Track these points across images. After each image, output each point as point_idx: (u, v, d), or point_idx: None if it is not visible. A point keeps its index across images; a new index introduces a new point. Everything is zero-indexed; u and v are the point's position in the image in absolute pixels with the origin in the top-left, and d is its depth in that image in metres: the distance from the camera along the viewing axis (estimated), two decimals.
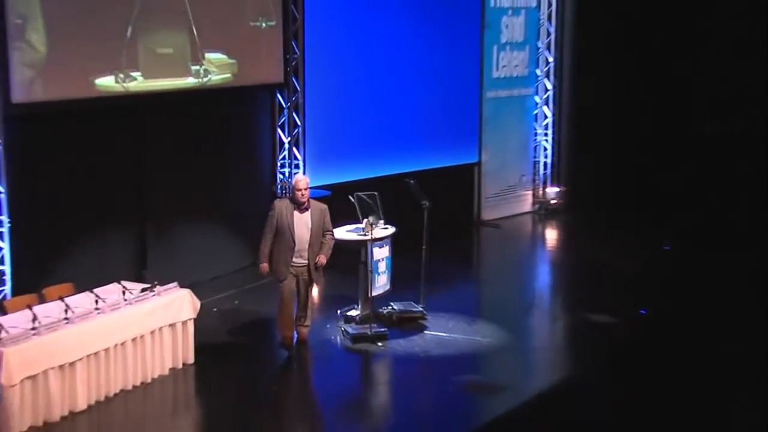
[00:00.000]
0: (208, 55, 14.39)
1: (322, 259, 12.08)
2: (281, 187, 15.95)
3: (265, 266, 11.91)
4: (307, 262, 11.84)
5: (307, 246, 11.79)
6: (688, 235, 17.80)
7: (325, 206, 12.20)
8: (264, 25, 15.11)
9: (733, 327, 14.35)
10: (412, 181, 13.81)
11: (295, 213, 11.71)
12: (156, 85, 13.77)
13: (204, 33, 14.19)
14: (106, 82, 13.05)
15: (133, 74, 13.39)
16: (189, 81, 14.20)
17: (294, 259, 11.78)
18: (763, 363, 13.20)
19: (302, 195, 11.66)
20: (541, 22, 19.86)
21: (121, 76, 13.20)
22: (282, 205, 11.85)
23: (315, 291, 12.54)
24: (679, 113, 19.58)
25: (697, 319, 14.54)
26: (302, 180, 11.89)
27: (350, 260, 13.21)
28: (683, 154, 19.46)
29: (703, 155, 19.30)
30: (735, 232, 17.86)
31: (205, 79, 14.38)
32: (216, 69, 14.51)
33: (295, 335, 12.14)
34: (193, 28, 14.03)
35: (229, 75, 14.73)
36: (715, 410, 11.93)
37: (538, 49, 19.95)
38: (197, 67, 14.26)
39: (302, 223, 11.74)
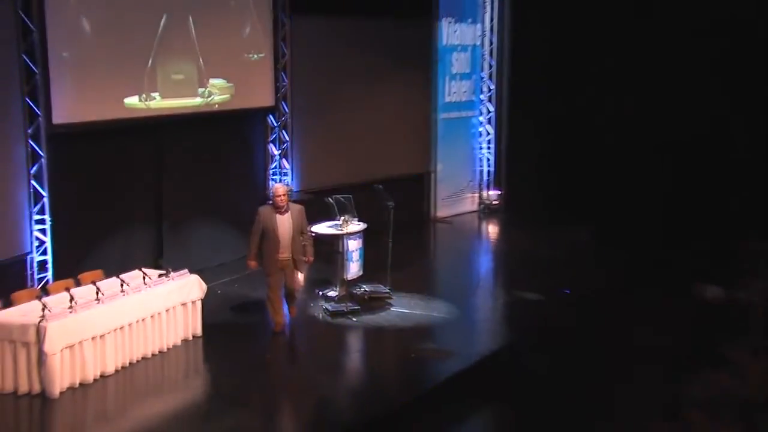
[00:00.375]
0: (212, 80, 14.55)
1: (310, 259, 12.25)
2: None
3: (253, 263, 11.85)
4: (290, 255, 11.75)
5: (289, 242, 11.68)
6: (600, 230, 17.88)
7: (301, 207, 12.14)
8: (255, 56, 15.23)
9: (636, 304, 14.50)
10: (379, 187, 13.94)
11: (277, 216, 11.59)
12: (171, 104, 13.98)
13: (208, 63, 14.42)
14: (132, 102, 13.30)
15: (153, 95, 13.65)
16: (197, 100, 14.42)
17: (279, 255, 11.65)
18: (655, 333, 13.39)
19: (281, 200, 11.57)
20: (483, 57, 19.95)
21: (144, 96, 13.48)
22: (265, 210, 11.73)
23: (300, 277, 12.42)
24: (589, 130, 19.66)
25: (609, 296, 14.70)
26: (280, 188, 11.84)
27: (329, 250, 13.33)
28: (596, 162, 19.55)
29: (610, 163, 19.39)
30: (637, 228, 17.94)
31: (209, 99, 14.59)
32: (218, 91, 14.71)
33: (288, 318, 12.22)
34: (200, 59, 14.28)
35: (228, 96, 14.88)
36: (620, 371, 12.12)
37: (482, 78, 20.05)
38: (203, 90, 14.46)
39: (284, 224, 11.63)
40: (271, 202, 11.86)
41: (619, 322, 14.14)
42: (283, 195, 11.64)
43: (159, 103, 13.72)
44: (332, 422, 9.96)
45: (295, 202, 14.28)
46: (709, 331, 13.67)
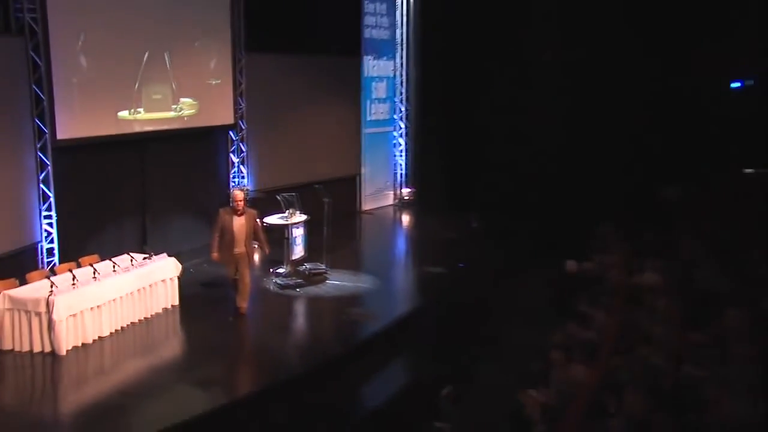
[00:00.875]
0: (182, 99, 14.58)
1: (267, 251, 12.17)
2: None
3: (215, 255, 11.50)
4: (244, 250, 11.39)
5: (243, 240, 11.33)
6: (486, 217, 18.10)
7: (255, 212, 11.80)
8: (215, 82, 15.26)
9: (517, 273, 14.73)
10: (319, 186, 14.01)
11: (234, 218, 11.27)
12: (152, 116, 14.01)
13: (180, 86, 14.51)
14: (123, 114, 13.48)
15: (139, 110, 13.73)
16: (171, 114, 14.41)
17: (234, 250, 11.30)
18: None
19: (238, 205, 11.30)
20: (397, 85, 20.05)
21: (132, 110, 13.59)
22: (224, 212, 11.42)
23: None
24: (477, 142, 19.91)
25: (496, 267, 14.92)
26: (238, 194, 11.51)
27: (279, 237, 13.32)
28: (483, 166, 19.76)
29: (495, 166, 19.62)
30: (517, 215, 18.18)
31: (180, 113, 14.59)
32: (187, 107, 14.72)
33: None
34: (173, 83, 14.34)
35: (194, 111, 14.87)
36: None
37: (396, 102, 20.11)
38: (176, 106, 14.46)
39: (239, 225, 11.28)
40: (232, 205, 11.60)
41: (503, 287, 14.37)
42: (241, 200, 11.37)
43: (143, 115, 13.81)
44: (282, 370, 10.01)
45: (252, 200, 14.33)
46: (572, 294, 13.93)
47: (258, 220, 11.77)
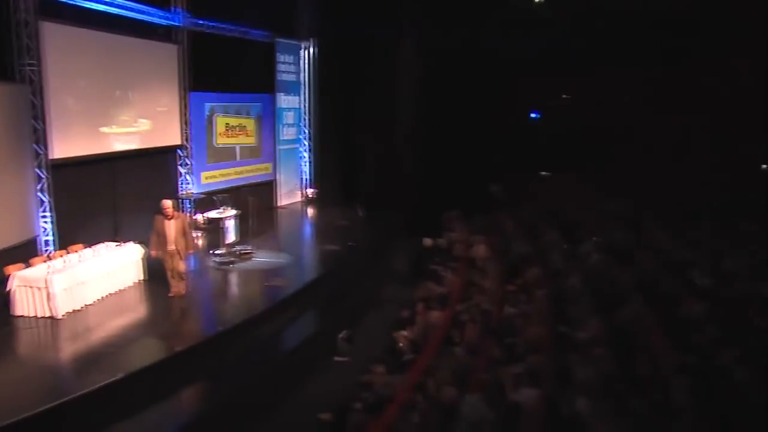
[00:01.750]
0: (140, 119, 14.23)
1: (191, 251, 11.25)
2: (181, 194, 15.76)
3: (153, 252, 10.87)
4: (175, 248, 10.67)
5: (174, 239, 10.61)
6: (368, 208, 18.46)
7: (185, 215, 11.33)
8: (165, 112, 15.02)
9: (392, 248, 15.09)
10: (245, 189, 14.00)
11: (166, 222, 10.58)
12: (121, 130, 13.75)
13: (137, 111, 14.12)
14: (104, 129, 13.21)
15: (113, 126, 13.47)
16: (132, 129, 14.04)
17: (168, 248, 10.63)
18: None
19: (167, 213, 10.56)
20: (301, 114, 20.11)
21: (108, 127, 13.34)
22: (158, 217, 10.65)
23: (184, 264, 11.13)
24: (359, 155, 20.29)
25: (377, 244, 15.24)
26: (166, 203, 10.70)
27: (216, 227, 13.30)
28: (365, 172, 20.13)
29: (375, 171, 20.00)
30: (392, 205, 18.56)
31: (140, 129, 14.25)
32: (145, 126, 14.39)
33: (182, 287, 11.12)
34: (133, 109, 14.02)
35: (149, 128, 14.52)
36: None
37: (301, 126, 20.17)
38: (136, 123, 14.12)
39: (171, 228, 10.59)
40: (162, 211, 10.78)
41: (381, 257, 14.75)
42: (169, 208, 10.62)
43: (115, 129, 13.56)
44: (221, 321, 10.10)
45: (196, 200, 14.22)
46: (428, 261, 14.41)
47: (187, 222, 11.08)
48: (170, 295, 10.88)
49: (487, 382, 7.21)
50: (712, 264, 12.57)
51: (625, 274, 11.82)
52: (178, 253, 10.76)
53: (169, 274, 10.91)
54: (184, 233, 10.80)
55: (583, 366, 7.65)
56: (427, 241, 14.93)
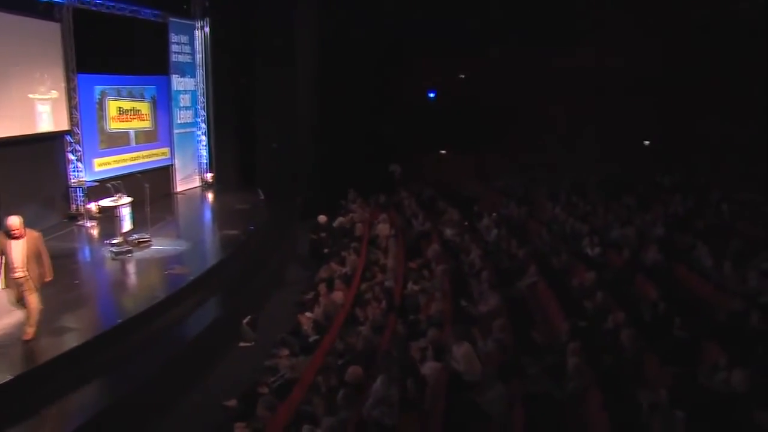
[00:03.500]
0: (21, 103, 13.33)
1: (48, 279, 8.49)
2: (72, 183, 14.99)
3: None
4: (25, 275, 8.14)
5: (22, 264, 8.07)
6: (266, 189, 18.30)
7: (38, 234, 8.36)
8: (44, 93, 14.04)
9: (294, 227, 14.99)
10: (139, 175, 13.51)
11: (10, 242, 7.99)
12: None
13: (16, 94, 13.21)
14: None
15: None
16: (11, 113, 13.05)
17: (13, 274, 8.11)
18: None
19: (12, 233, 7.92)
20: (198, 96, 19.53)
21: None
22: (1, 235, 8.05)
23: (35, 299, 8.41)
24: (254, 138, 20.11)
25: (279, 227, 15.13)
26: (11, 222, 7.95)
27: (110, 215, 12.76)
28: (263, 155, 19.93)
29: (273, 155, 19.84)
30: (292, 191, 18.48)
31: (21, 114, 13.34)
32: (26, 110, 13.50)
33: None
34: (11, 92, 13.09)
35: (31, 112, 13.66)
36: None
37: (197, 109, 19.60)
38: (16, 108, 13.16)
39: (17, 249, 8.02)
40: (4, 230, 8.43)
41: (282, 240, 14.65)
42: (15, 226, 7.93)
43: None
44: (120, 313, 9.73)
45: (89, 188, 13.60)
46: (328, 241, 14.50)
47: (42, 242, 8.41)
48: (25, 337, 8.39)
49: (392, 358, 7.33)
50: (601, 235, 13.29)
51: (521, 248, 12.31)
52: (30, 281, 8.27)
53: (17, 305, 8.46)
54: (38, 256, 8.31)
55: (483, 337, 7.93)
56: (322, 218, 14.99)
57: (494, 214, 15.81)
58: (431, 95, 22.56)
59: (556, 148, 20.95)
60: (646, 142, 22.30)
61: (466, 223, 15.17)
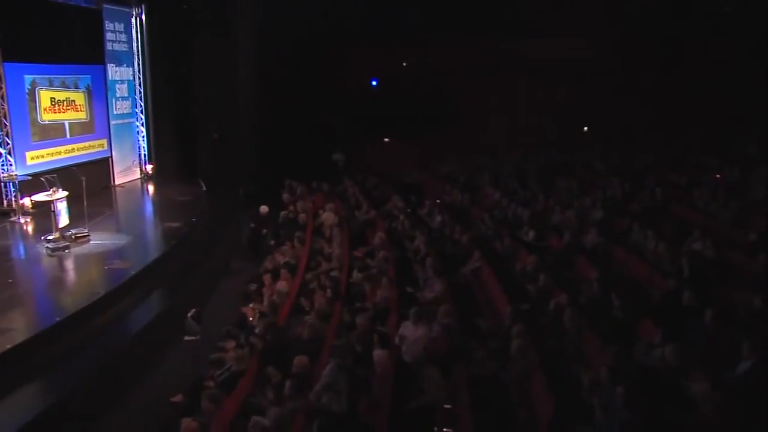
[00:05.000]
0: None
1: None
2: (3, 177, 14.35)
3: None
4: None
5: None
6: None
7: None
8: None
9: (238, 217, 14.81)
10: (74, 168, 13.13)
11: None
12: None
13: None
14: None
15: None
16: None
17: None
18: None
19: None
20: (135, 86, 19.03)
21: None
22: None
23: None
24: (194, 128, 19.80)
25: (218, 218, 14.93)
26: None
27: (46, 210, 12.39)
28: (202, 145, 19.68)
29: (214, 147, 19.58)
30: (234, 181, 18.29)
31: None
32: None
33: None
34: None
35: None
36: None
37: (135, 99, 19.11)
38: None
39: None
40: None
41: (225, 231, 14.48)
42: None
43: None
44: (58, 311, 9.45)
45: (21, 182, 13.10)
46: (271, 233, 14.45)
47: None
48: None
49: (338, 347, 7.35)
50: (541, 220, 13.57)
51: (464, 234, 12.46)
52: None
53: None
54: None
55: (429, 323, 8.00)
56: (264, 209, 14.87)
57: (438, 201, 15.96)
58: (373, 83, 22.56)
59: (498, 134, 21.27)
60: (585, 129, 22.85)
61: (409, 210, 15.27)
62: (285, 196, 16.71)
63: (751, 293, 8.15)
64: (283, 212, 15.38)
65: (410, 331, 7.63)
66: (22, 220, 13.74)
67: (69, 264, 11.64)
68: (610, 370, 6.45)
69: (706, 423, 5.74)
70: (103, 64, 17.51)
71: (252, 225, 14.87)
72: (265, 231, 14.63)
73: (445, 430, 6.29)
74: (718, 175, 16.35)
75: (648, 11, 19.82)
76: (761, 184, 14.45)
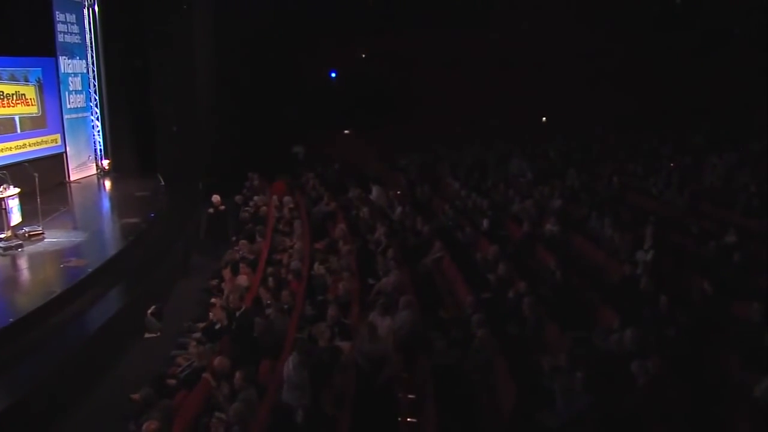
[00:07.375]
0: None
1: None
2: None
3: None
4: None
5: None
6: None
7: None
8: None
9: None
10: (26, 164, 12.73)
11: None
12: None
13: None
14: None
15: None
16: None
17: None
18: None
19: None
20: (89, 79, 18.60)
21: None
22: None
23: None
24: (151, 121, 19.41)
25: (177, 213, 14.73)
26: None
27: None
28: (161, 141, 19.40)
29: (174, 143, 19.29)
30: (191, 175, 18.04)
31: None
32: None
33: None
34: None
35: None
36: None
37: (90, 92, 18.68)
38: None
39: None
40: None
41: (185, 227, 14.28)
42: None
43: None
44: (12, 312, 9.18)
45: None
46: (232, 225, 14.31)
47: None
48: None
49: (301, 340, 7.33)
50: (501, 209, 13.72)
51: (425, 225, 12.52)
52: None
53: None
54: None
55: (392, 314, 8.04)
56: (216, 198, 14.70)
57: (399, 192, 16.00)
58: (332, 75, 22.48)
59: (458, 125, 21.41)
60: (544, 119, 23.16)
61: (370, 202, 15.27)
62: (244, 191, 16.58)
63: (703, 279, 8.39)
64: (244, 208, 15.31)
65: (379, 321, 7.64)
66: None
67: (22, 263, 11.26)
68: (569, 356, 6.57)
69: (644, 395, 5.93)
70: (55, 56, 17.00)
71: (210, 210, 14.73)
72: (220, 218, 14.52)
73: (408, 419, 6.33)
74: (672, 164, 16.75)
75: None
76: (713, 172, 14.86)
